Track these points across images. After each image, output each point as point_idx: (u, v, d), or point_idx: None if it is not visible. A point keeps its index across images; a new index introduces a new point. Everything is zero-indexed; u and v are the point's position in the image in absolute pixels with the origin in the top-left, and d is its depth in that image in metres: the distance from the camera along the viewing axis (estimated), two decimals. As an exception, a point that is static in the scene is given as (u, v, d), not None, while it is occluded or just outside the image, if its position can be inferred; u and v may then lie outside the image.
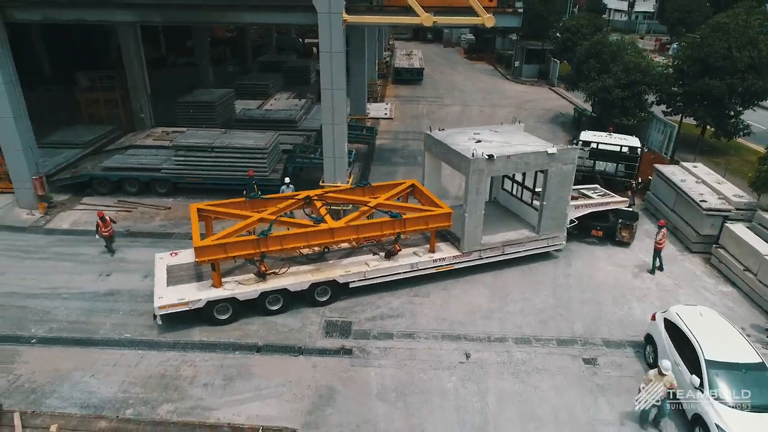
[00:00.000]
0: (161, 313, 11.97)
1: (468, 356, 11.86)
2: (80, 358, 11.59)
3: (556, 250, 15.93)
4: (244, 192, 17.54)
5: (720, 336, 10.47)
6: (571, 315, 13.37)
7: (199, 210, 13.58)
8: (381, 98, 34.99)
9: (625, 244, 16.67)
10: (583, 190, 17.25)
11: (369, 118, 30.05)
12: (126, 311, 13.06)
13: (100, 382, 10.93)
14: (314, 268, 13.52)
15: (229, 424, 8.36)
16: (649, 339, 11.76)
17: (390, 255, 13.86)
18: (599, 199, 16.61)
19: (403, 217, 13.60)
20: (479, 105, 33.92)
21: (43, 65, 34.01)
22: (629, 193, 19.07)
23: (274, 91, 33.63)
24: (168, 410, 10.25)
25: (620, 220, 16.49)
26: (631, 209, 17.28)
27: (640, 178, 20.08)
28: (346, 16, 15.48)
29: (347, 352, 11.94)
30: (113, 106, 26.56)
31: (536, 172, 15.58)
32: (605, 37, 28.82)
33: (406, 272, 13.87)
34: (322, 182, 17.67)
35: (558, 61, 40.61)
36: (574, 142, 19.59)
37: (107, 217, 15.23)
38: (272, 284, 12.80)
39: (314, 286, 13.13)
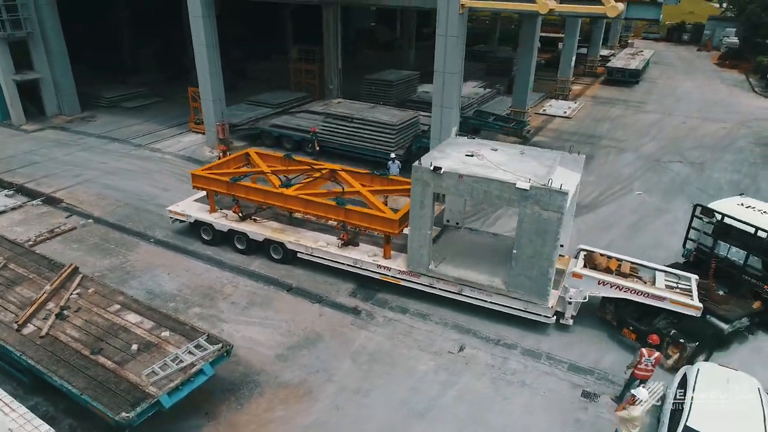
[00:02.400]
0: (169, 216, 15.49)
1: (461, 349, 11.56)
2: (170, 259, 14.80)
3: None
4: (309, 147, 21.14)
5: (731, 408, 8.31)
6: (607, 345, 11.73)
7: (247, 154, 16.29)
8: (573, 97, 32.84)
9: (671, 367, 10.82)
10: (661, 271, 11.91)
11: (546, 115, 28.81)
12: (220, 235, 15.97)
13: (170, 279, 13.90)
14: (280, 228, 14.44)
15: (192, 325, 10.13)
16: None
17: (346, 244, 13.54)
18: (645, 287, 11.27)
19: (348, 207, 13.06)
20: (686, 116, 29.30)
21: (288, 39, 40.51)
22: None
23: (465, 78, 34.44)
24: (195, 312, 12.60)
25: (673, 332, 10.88)
26: (713, 323, 11.11)
27: None
28: (464, 0, 15.60)
29: (356, 312, 12.73)
30: (312, 76, 30.70)
31: None
32: None
33: (348, 265, 13.32)
34: (427, 163, 18.21)
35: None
36: (695, 206, 13.28)
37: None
38: (240, 226, 14.52)
39: (268, 241, 14.22)
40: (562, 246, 12.66)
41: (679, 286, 11.57)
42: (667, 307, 11.04)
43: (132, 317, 10.31)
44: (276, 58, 35.76)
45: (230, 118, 23.77)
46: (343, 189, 14.01)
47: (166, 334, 9.79)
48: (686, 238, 13.59)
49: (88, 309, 10.51)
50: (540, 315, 11.67)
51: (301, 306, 12.96)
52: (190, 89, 24.52)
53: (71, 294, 10.90)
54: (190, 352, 9.30)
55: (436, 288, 12.54)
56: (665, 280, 11.71)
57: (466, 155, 12.15)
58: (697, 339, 10.76)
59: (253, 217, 14.86)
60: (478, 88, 31.24)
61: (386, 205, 13.78)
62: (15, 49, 24.84)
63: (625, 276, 11.72)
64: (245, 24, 38.27)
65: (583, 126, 27.32)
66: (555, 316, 11.77)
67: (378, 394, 10.35)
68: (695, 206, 13.25)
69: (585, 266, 11.94)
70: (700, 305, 10.87)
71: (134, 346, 9.41)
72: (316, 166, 15.48)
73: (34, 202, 17.96)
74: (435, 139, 17.72)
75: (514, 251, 11.29)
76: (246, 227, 14.51)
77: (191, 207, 15.53)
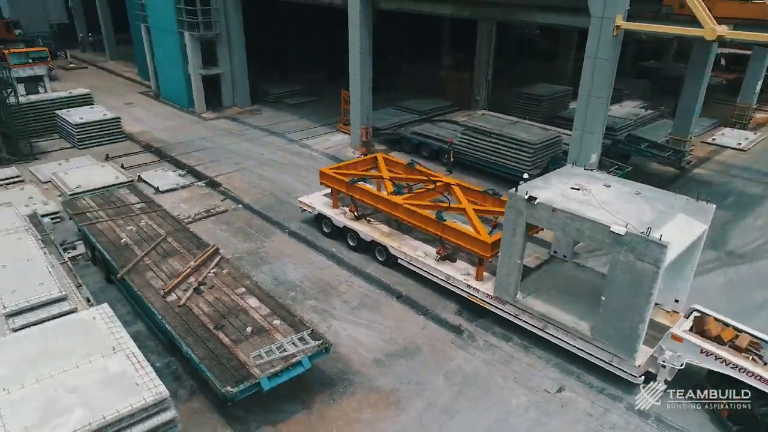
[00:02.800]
0: (299, 206, 17.27)
1: (560, 390, 11.05)
2: (298, 251, 16.11)
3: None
4: (444, 158, 22.12)
5: None
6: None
7: (375, 157, 17.85)
8: (754, 127, 28.90)
9: None
10: None
11: (715, 145, 25.79)
12: (346, 234, 16.98)
13: (294, 269, 15.15)
14: (388, 232, 15.23)
15: (300, 318, 10.97)
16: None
17: (443, 258, 13.85)
18: (761, 368, 9.71)
19: (446, 223, 13.46)
20: None
21: (444, 46, 41.13)
22: None
23: (626, 97, 32.17)
24: (311, 304, 13.63)
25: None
26: None
27: None
28: (620, 22, 14.69)
29: (459, 331, 12.77)
30: (461, 85, 30.88)
31: None
32: None
33: (441, 279, 13.68)
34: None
35: None
36: None
37: None
38: (353, 224, 15.58)
39: (375, 243, 15.08)
40: (677, 302, 11.61)
41: None
42: None
43: (253, 301, 11.50)
44: (429, 64, 36.57)
45: (375, 122, 24.97)
46: (448, 204, 14.50)
47: (277, 322, 10.79)
48: None
49: (220, 287, 11.94)
50: (625, 372, 10.75)
51: (407, 315, 13.34)
52: (343, 91, 26.17)
53: (209, 272, 12.46)
54: (293, 343, 10.16)
55: (520, 319, 12.24)
56: None
57: (572, 188, 11.61)
58: None
59: (367, 218, 15.81)
60: (638, 109, 29.01)
61: (496, 225, 13.68)
62: (203, 47, 28.60)
63: (739, 350, 10.16)
64: (404, 27, 39.58)
65: (759, 161, 23.98)
66: (643, 377, 10.74)
67: (464, 418, 10.36)
68: None
69: (692, 329, 10.68)
70: None
71: (249, 329, 10.52)
72: (432, 178, 16.08)
73: (199, 183, 20.64)
74: (572, 164, 16.95)
75: (603, 298, 10.54)
76: (358, 226, 15.53)
77: (318, 200, 17.08)
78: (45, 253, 11.95)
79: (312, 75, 37.56)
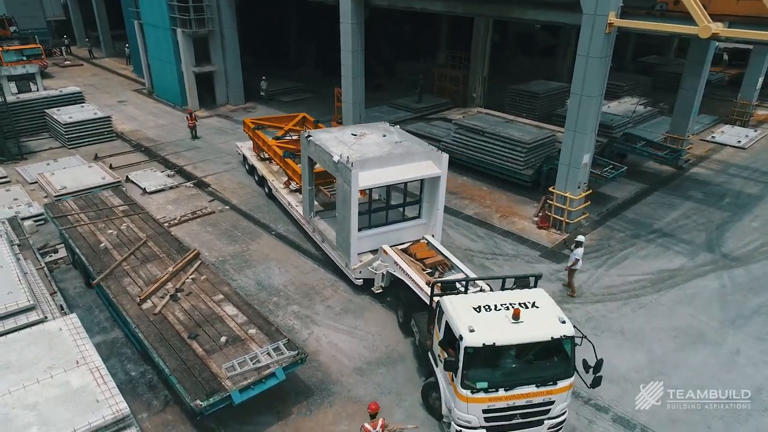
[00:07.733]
0: (238, 150, 21.51)
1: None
2: (284, 254, 15.82)
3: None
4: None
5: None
6: None
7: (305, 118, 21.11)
8: (755, 124, 28.38)
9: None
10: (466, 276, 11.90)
11: (714, 143, 25.33)
12: (334, 237, 16.66)
13: (279, 273, 14.86)
14: (275, 171, 18.75)
15: (277, 327, 10.68)
16: None
17: (295, 191, 17.29)
18: (412, 269, 12.29)
19: (286, 160, 17.25)
20: None
21: (441, 41, 40.63)
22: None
23: (626, 93, 31.69)
24: (293, 310, 13.35)
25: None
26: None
27: None
28: (612, 19, 14.29)
29: (443, 338, 12.47)
30: (456, 83, 30.45)
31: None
32: None
33: (287, 205, 17.29)
34: (552, 189, 17.09)
35: None
36: None
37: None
38: (257, 164, 19.56)
39: (263, 179, 18.91)
40: (433, 236, 14.06)
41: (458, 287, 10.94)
42: (415, 290, 11.76)
43: (230, 309, 11.22)
44: (424, 61, 36.11)
45: (369, 121, 24.62)
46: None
47: (252, 331, 10.50)
48: None
49: (197, 294, 11.67)
50: (351, 274, 13.72)
51: (391, 321, 13.04)
52: (336, 89, 25.80)
53: (187, 278, 12.18)
54: (268, 354, 9.89)
55: (315, 236, 15.61)
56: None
57: (351, 134, 14.34)
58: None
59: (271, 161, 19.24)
60: (637, 106, 28.55)
61: None
62: (196, 44, 28.26)
63: (424, 265, 12.54)
64: (401, 23, 39.04)
65: (759, 160, 23.51)
66: (362, 280, 13.65)
67: None
68: None
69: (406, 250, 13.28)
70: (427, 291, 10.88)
71: (223, 338, 10.24)
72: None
73: (188, 183, 20.37)
74: (564, 165, 16.61)
75: (336, 214, 13.76)
76: (258, 165, 19.41)
77: (248, 147, 20.90)
78: (18, 259, 11.71)
79: (308, 71, 37.19)
